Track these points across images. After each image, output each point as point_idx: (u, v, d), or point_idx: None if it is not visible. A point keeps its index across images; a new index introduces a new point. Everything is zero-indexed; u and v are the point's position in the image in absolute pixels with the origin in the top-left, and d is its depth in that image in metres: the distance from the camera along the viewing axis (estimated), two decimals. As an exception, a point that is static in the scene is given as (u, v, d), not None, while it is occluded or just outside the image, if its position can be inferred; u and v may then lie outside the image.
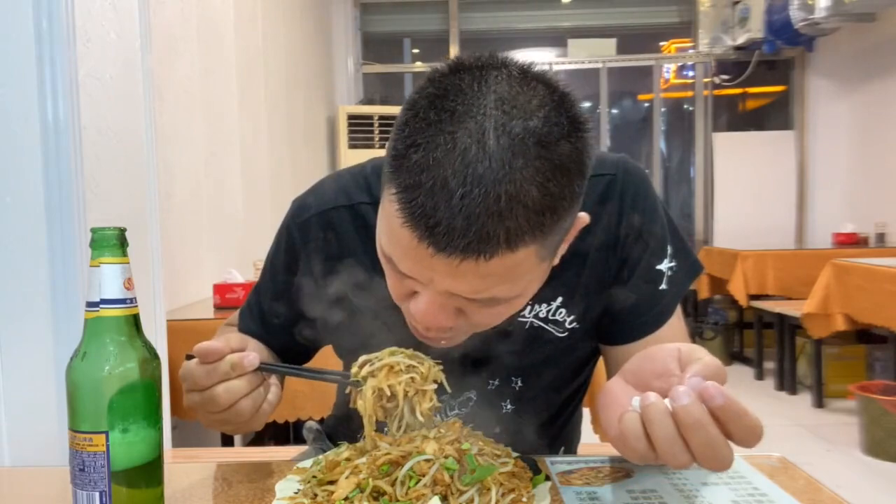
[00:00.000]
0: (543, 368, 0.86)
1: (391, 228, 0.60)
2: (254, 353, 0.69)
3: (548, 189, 0.55)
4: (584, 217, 0.67)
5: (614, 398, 0.61)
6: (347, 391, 0.70)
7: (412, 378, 0.68)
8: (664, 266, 0.82)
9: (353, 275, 0.84)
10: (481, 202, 0.53)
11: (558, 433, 0.96)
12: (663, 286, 0.82)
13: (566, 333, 0.83)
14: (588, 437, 1.92)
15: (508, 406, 0.87)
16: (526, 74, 0.59)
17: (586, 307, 0.83)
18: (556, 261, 0.69)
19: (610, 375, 0.89)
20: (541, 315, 0.82)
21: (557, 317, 0.82)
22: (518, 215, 0.54)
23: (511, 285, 0.61)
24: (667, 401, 0.53)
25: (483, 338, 0.82)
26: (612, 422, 0.58)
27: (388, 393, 0.67)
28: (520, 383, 0.86)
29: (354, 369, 0.69)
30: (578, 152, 0.58)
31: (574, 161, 0.58)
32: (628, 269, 0.81)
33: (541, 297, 0.81)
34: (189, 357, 0.68)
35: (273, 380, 0.73)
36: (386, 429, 0.70)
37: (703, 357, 0.58)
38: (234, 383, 0.66)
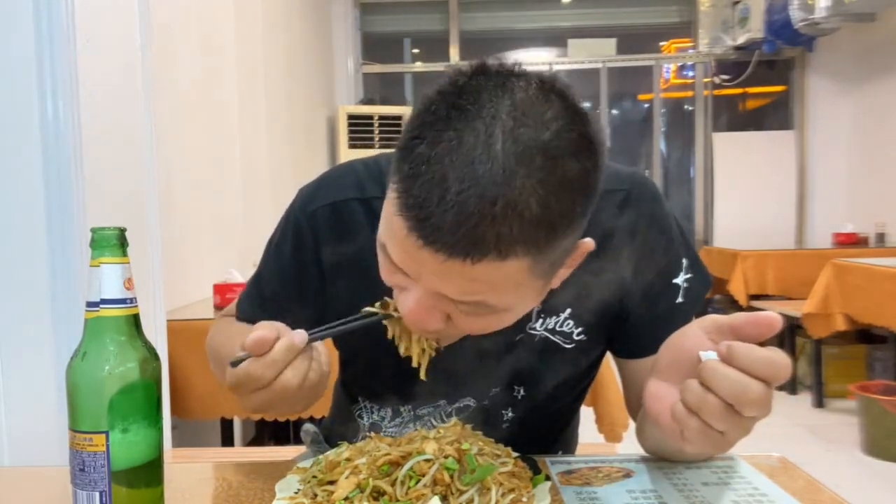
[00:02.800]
0: (547, 378, 0.85)
1: (388, 216, 0.61)
2: (299, 330, 0.66)
3: (548, 203, 0.54)
4: (588, 243, 0.66)
5: (662, 400, 0.62)
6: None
7: None
8: (680, 279, 0.82)
9: (362, 268, 0.82)
10: (475, 203, 0.53)
11: (557, 437, 0.96)
12: (680, 299, 0.82)
13: (573, 345, 0.83)
14: (588, 436, 1.92)
15: (509, 413, 0.86)
16: (546, 86, 0.58)
17: (595, 320, 0.82)
18: (556, 283, 0.68)
19: (626, 387, 0.88)
20: (549, 327, 0.82)
21: (565, 328, 0.82)
22: (512, 224, 0.54)
23: (500, 296, 0.60)
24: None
25: (489, 347, 0.81)
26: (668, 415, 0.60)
27: None
28: (522, 392, 0.85)
29: None
30: (587, 172, 0.57)
31: (581, 180, 0.57)
32: (644, 285, 0.81)
33: (549, 309, 0.81)
34: (234, 364, 0.64)
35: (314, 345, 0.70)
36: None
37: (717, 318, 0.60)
38: (297, 363, 0.63)
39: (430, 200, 0.54)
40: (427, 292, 0.61)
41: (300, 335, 0.64)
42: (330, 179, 0.87)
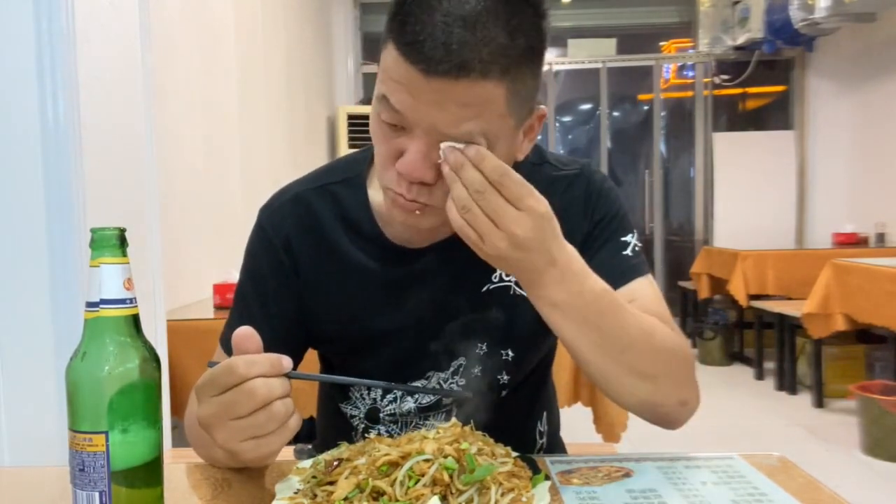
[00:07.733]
0: (529, 334, 0.88)
1: (388, 66, 0.70)
2: (287, 357, 0.66)
3: (511, 26, 0.66)
4: (543, 109, 0.77)
5: None
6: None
7: None
8: (630, 238, 0.88)
9: (331, 257, 0.86)
10: (460, 28, 0.65)
11: (544, 401, 1.01)
12: (628, 252, 0.87)
13: None
14: (588, 436, 1.92)
15: (504, 377, 0.89)
16: None
17: None
18: (522, 151, 0.77)
19: None
20: (515, 279, 0.86)
21: None
22: (489, 43, 0.65)
23: (487, 122, 0.68)
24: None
25: (468, 299, 0.85)
26: None
27: None
28: (511, 353, 0.88)
29: None
30: (542, 11, 0.70)
31: (536, 13, 0.69)
32: (598, 241, 0.87)
33: None
34: (211, 364, 0.64)
35: None
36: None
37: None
38: (273, 379, 0.62)
39: (423, 31, 0.65)
40: (424, 140, 0.69)
41: (287, 361, 0.64)
42: (286, 185, 0.93)
